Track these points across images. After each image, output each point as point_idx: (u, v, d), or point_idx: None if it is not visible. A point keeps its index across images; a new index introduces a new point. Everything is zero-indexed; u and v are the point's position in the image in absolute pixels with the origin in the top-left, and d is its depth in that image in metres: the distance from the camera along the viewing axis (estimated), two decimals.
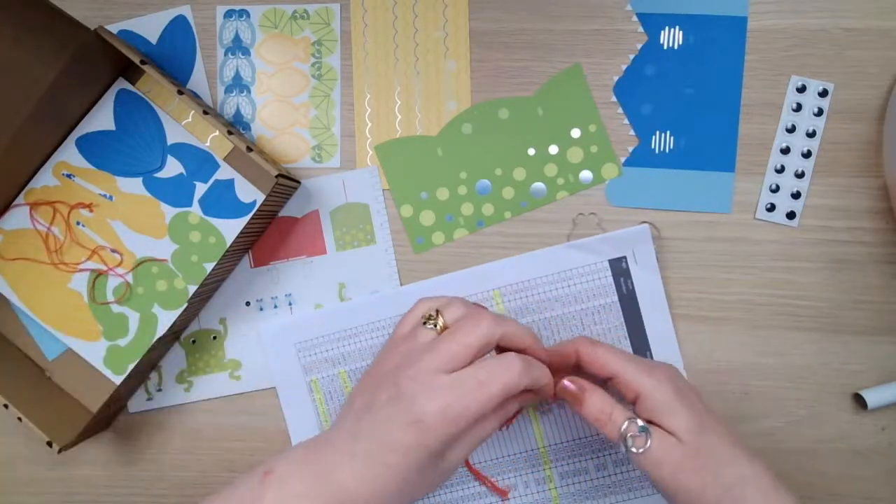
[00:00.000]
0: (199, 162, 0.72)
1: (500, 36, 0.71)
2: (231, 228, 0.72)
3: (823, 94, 0.69)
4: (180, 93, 0.65)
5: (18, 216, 0.73)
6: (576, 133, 0.71)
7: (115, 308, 0.73)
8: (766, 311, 0.70)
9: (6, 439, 0.74)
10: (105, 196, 0.73)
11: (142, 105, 0.73)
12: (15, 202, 0.73)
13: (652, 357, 0.69)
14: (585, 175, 0.71)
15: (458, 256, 0.71)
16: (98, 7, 0.73)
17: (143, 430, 0.73)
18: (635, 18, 0.70)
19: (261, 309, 0.72)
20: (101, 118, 0.73)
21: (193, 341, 0.73)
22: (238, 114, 0.73)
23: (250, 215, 0.65)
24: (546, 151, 0.71)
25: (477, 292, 0.70)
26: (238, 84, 0.73)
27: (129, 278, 0.73)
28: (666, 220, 0.70)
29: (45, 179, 0.73)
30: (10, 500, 0.74)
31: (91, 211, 0.73)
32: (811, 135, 0.69)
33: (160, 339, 0.68)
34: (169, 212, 0.73)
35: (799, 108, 0.69)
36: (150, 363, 0.71)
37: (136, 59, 0.64)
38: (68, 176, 0.73)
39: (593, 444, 0.70)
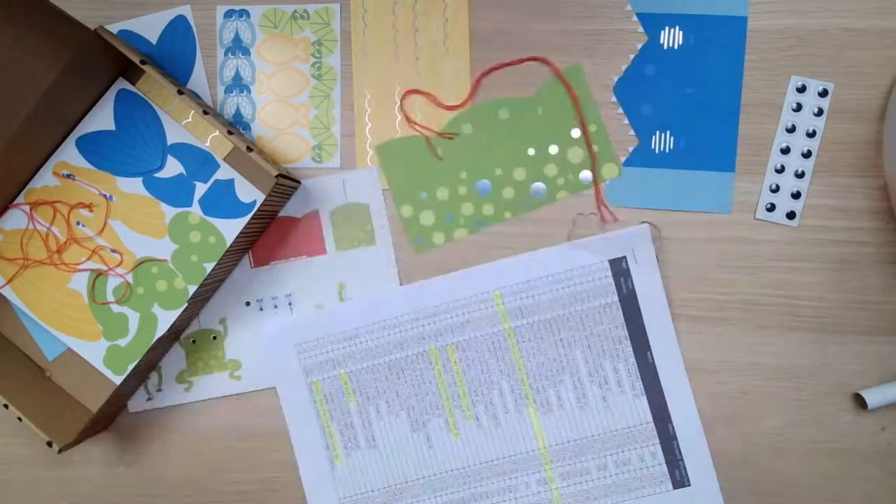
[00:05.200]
0: (200, 162, 0.72)
1: (500, 36, 0.71)
2: (231, 228, 0.72)
3: (823, 94, 0.69)
4: (180, 93, 0.65)
5: (18, 216, 0.73)
6: (576, 133, 0.71)
7: (115, 308, 0.73)
8: (766, 311, 0.70)
9: (6, 439, 0.74)
10: (105, 196, 0.73)
11: (142, 105, 0.73)
12: (15, 202, 0.73)
13: (652, 358, 0.69)
14: (585, 175, 0.71)
15: (458, 256, 0.71)
16: (98, 7, 0.73)
17: (143, 430, 0.73)
18: (635, 18, 0.70)
19: (261, 309, 0.72)
20: (101, 118, 0.73)
21: (193, 341, 0.73)
22: (238, 114, 0.73)
23: (250, 215, 0.65)
24: (546, 151, 0.71)
25: (477, 292, 0.70)
26: (238, 84, 0.73)
27: (129, 278, 0.73)
28: (666, 220, 0.70)
29: (45, 179, 0.73)
30: (10, 500, 0.74)
31: (91, 211, 0.73)
32: (811, 135, 0.69)
33: (160, 339, 0.68)
34: (169, 212, 0.73)
35: (799, 108, 0.69)
36: (150, 363, 0.71)
37: (136, 59, 0.64)
38: (68, 176, 0.73)
39: (594, 445, 0.70)
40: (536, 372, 0.70)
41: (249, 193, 0.72)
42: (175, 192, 0.73)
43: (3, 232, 0.73)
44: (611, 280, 0.69)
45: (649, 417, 0.69)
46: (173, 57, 0.73)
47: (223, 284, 0.73)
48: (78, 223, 0.73)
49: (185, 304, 0.68)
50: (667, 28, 0.70)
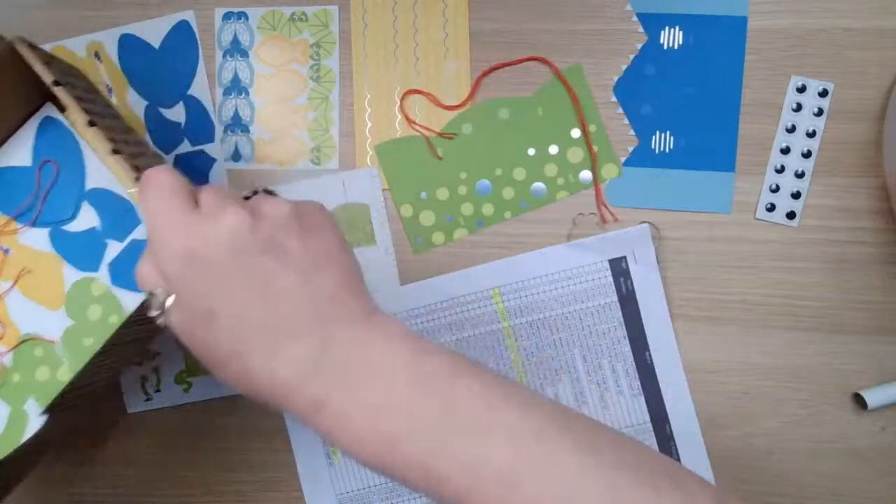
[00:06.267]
0: (118, 214, 0.61)
1: (500, 36, 0.71)
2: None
3: (823, 94, 0.68)
4: (92, 124, 0.53)
5: None
6: (576, 133, 0.71)
7: None
8: (766, 311, 0.69)
9: None
10: (1, 249, 0.60)
11: (66, 137, 0.61)
12: None
13: (651, 358, 0.69)
14: (585, 175, 0.71)
15: (458, 256, 0.71)
16: (98, 7, 0.73)
17: (142, 430, 0.74)
18: (635, 18, 0.70)
19: None
20: (18, 151, 0.61)
21: None
22: (237, 116, 0.73)
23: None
24: (546, 151, 0.71)
25: (477, 292, 0.70)
26: (237, 86, 0.73)
27: (8, 360, 0.58)
28: (666, 220, 0.70)
29: None
30: (10, 500, 0.74)
31: None
32: (811, 135, 0.69)
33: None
34: (71, 276, 0.60)
35: (799, 108, 0.69)
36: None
37: (49, 80, 0.53)
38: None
39: None
40: (535, 370, 0.70)
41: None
42: (83, 251, 0.60)
43: None
44: (610, 280, 0.69)
45: (647, 417, 0.69)
46: (175, 61, 0.73)
47: None
48: None
49: (44, 415, 0.54)
50: (667, 28, 0.70)
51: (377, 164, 0.72)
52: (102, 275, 0.59)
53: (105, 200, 0.61)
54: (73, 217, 0.60)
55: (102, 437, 0.74)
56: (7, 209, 0.60)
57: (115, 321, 0.58)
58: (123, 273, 0.59)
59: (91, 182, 0.61)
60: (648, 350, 0.69)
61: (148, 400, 0.73)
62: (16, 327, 0.59)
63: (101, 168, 0.60)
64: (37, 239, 0.60)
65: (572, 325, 0.70)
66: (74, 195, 0.60)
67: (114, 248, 0.60)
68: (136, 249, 0.60)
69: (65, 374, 0.57)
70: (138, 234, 0.60)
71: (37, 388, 0.57)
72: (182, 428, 0.74)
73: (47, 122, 0.61)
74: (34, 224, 0.60)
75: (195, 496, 0.73)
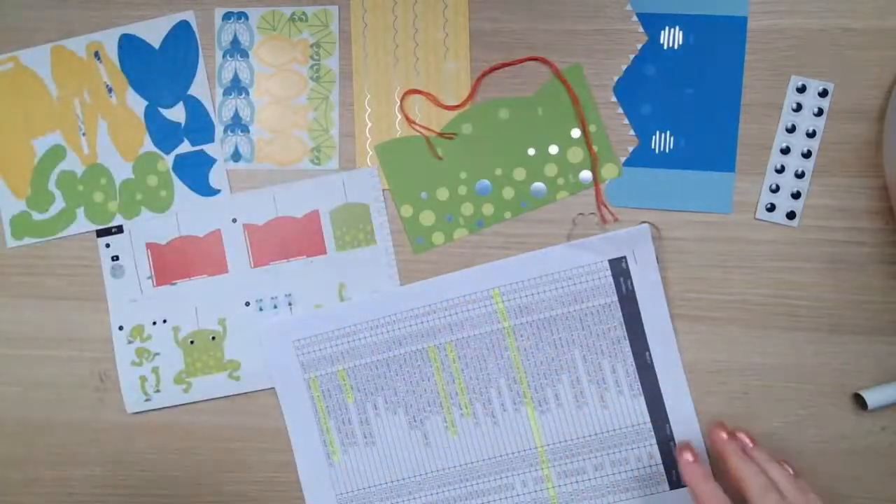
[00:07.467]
0: (200, 126, 0.74)
1: (500, 36, 0.71)
2: (184, 198, 0.74)
3: (823, 94, 0.68)
4: None
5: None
6: (576, 133, 0.71)
7: (52, 186, 0.75)
8: (766, 311, 0.69)
9: (6, 439, 0.75)
10: (108, 88, 0.75)
11: (192, 42, 0.74)
12: None
13: (651, 358, 0.69)
14: (585, 175, 0.71)
15: (458, 256, 0.71)
16: (98, 7, 0.73)
17: (142, 430, 0.74)
18: (635, 18, 0.70)
19: (260, 309, 0.73)
20: (151, 32, 0.74)
21: (192, 342, 0.73)
22: (236, 116, 0.73)
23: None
24: (546, 151, 0.71)
25: (477, 292, 0.70)
26: (237, 86, 0.73)
27: (80, 171, 0.75)
28: (666, 220, 0.70)
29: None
30: (10, 500, 0.75)
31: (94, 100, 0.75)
32: (811, 135, 0.69)
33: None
34: (148, 145, 0.74)
35: (799, 108, 0.69)
36: None
37: None
38: (96, 55, 0.74)
39: (591, 444, 0.70)
40: (534, 371, 0.70)
41: (220, 182, 0.73)
42: (163, 134, 0.74)
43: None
44: (610, 280, 0.69)
45: (647, 417, 0.69)
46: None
47: (222, 284, 0.73)
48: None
49: None
50: (667, 28, 0.70)
51: (377, 164, 0.72)
52: (169, 159, 0.74)
53: (197, 109, 0.74)
54: (170, 106, 0.74)
55: (102, 437, 0.74)
56: (130, 72, 0.75)
57: (164, 195, 0.74)
58: (184, 168, 0.74)
59: (192, 90, 0.74)
60: (648, 350, 0.69)
61: (148, 400, 0.73)
62: (95, 153, 0.75)
63: (204, 81, 0.74)
64: (136, 103, 0.74)
65: (572, 325, 0.70)
66: (178, 92, 0.74)
67: (185, 147, 0.74)
68: (199, 158, 0.74)
69: (113, 205, 0.74)
70: (207, 149, 0.74)
71: (89, 203, 0.75)
72: (182, 428, 0.74)
73: (182, 25, 0.74)
74: (140, 94, 0.75)
75: (195, 496, 0.74)
